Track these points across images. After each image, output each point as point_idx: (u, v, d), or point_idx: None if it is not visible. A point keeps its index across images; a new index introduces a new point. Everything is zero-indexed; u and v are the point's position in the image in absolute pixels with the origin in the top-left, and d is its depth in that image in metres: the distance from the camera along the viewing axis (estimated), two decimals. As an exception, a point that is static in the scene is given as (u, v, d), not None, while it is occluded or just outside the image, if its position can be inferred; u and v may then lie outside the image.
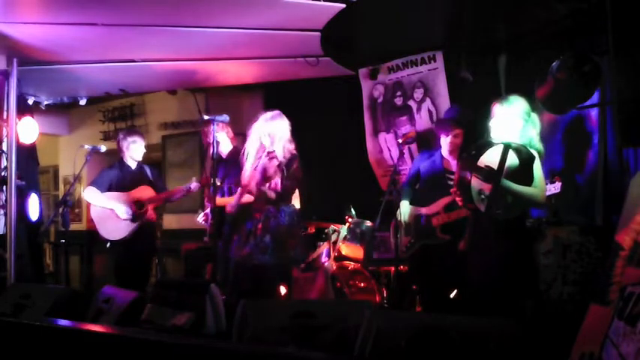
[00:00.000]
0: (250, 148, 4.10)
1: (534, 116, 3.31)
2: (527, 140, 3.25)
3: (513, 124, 3.23)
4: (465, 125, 4.00)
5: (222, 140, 4.77)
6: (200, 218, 4.85)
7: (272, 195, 3.99)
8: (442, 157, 4.04)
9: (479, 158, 3.15)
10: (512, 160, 3.13)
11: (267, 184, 3.97)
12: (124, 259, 4.90)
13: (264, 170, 3.99)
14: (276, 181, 3.95)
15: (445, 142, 4.01)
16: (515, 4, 4.01)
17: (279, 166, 3.97)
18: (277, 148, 4.00)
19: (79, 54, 5.11)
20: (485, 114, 3.53)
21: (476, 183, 3.13)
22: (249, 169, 4.08)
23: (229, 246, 4.56)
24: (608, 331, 2.18)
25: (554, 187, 3.44)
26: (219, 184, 4.61)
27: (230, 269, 4.50)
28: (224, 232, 4.70)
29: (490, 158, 3.12)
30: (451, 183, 3.90)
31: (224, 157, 4.85)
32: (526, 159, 3.14)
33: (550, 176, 3.52)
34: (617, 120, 3.20)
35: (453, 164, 3.98)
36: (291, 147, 4.08)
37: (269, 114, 4.10)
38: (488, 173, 3.10)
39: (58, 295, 3.22)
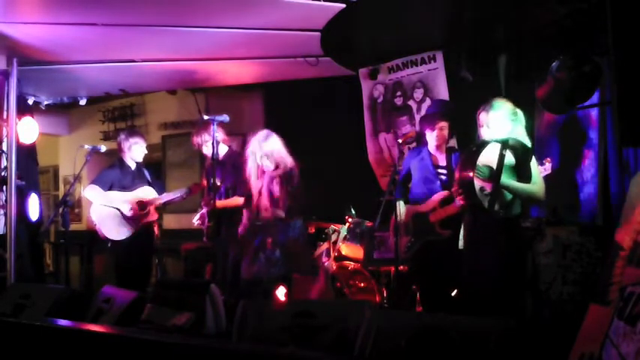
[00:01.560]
0: (252, 169, 4.22)
1: (520, 113, 3.31)
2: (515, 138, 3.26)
3: (502, 127, 3.24)
4: (450, 117, 3.99)
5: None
6: (195, 220, 4.86)
7: (282, 214, 4.12)
8: (430, 153, 4.04)
9: (478, 156, 3.15)
10: (510, 157, 3.13)
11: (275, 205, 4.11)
12: (124, 258, 4.90)
13: (271, 194, 4.14)
14: (283, 198, 4.10)
15: (431, 136, 3.99)
16: (515, 4, 4.01)
17: (281, 183, 4.10)
18: (280, 164, 4.15)
19: (79, 54, 5.11)
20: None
21: (477, 181, 3.13)
22: (254, 190, 4.21)
23: (228, 246, 4.60)
24: (608, 331, 2.18)
25: (545, 169, 3.44)
26: (218, 184, 4.62)
27: (228, 269, 4.54)
28: (222, 233, 4.71)
29: (488, 157, 3.12)
30: (442, 178, 3.92)
31: (220, 159, 4.84)
32: (523, 155, 3.14)
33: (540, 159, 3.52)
34: (617, 120, 3.19)
35: (441, 159, 3.99)
36: (289, 160, 4.19)
37: (261, 134, 4.22)
38: (488, 172, 3.10)
39: (58, 295, 3.22)
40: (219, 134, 4.73)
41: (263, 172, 4.20)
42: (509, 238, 3.17)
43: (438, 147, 4.00)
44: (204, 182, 4.89)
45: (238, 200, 4.63)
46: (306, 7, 4.06)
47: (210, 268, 5.37)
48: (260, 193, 4.19)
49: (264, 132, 4.25)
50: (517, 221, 3.26)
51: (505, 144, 3.11)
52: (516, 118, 3.26)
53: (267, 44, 4.91)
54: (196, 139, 4.81)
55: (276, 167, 4.17)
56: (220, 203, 4.59)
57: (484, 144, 3.18)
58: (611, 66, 3.14)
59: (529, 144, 3.30)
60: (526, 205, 3.34)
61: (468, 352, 1.90)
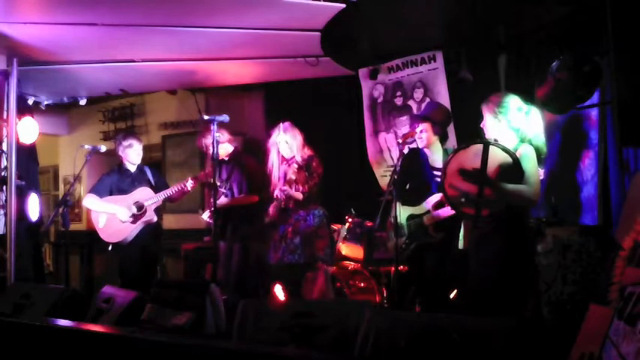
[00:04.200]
0: (273, 159, 4.50)
1: (534, 112, 3.26)
2: (521, 137, 3.23)
3: (507, 120, 3.20)
4: (429, 118, 3.99)
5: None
6: (206, 216, 4.83)
7: (299, 196, 4.34)
8: (426, 155, 4.04)
9: (461, 160, 3.12)
10: (496, 158, 3.07)
11: (293, 187, 4.36)
12: (128, 261, 4.88)
13: (285, 174, 4.40)
14: (301, 183, 4.33)
15: (417, 139, 4.02)
16: (516, 4, 4.01)
17: (299, 169, 4.32)
18: (296, 154, 4.40)
19: (79, 54, 5.11)
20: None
21: (462, 185, 3.09)
22: (275, 178, 4.48)
23: (232, 246, 4.62)
24: (608, 331, 2.18)
25: (540, 174, 3.42)
26: (219, 184, 4.62)
27: (232, 270, 4.57)
28: (227, 233, 4.71)
29: (473, 159, 3.08)
30: (438, 180, 3.91)
31: (226, 159, 4.86)
32: (511, 156, 3.07)
33: None
34: (617, 120, 3.19)
35: (437, 161, 3.98)
36: (308, 151, 4.45)
37: (282, 125, 4.47)
38: (473, 174, 3.05)
39: (58, 295, 3.23)
40: (225, 135, 4.76)
41: (283, 159, 4.46)
42: (510, 238, 3.15)
43: (427, 148, 4.01)
44: (205, 175, 4.85)
45: (247, 198, 4.66)
46: (306, 7, 4.06)
47: (210, 268, 5.36)
48: (279, 178, 4.45)
49: (285, 123, 4.48)
50: (517, 221, 3.23)
51: (488, 145, 3.05)
52: (526, 115, 3.22)
53: (267, 44, 4.91)
54: (203, 141, 4.80)
55: (294, 156, 4.41)
56: (230, 201, 4.70)
57: (465, 146, 3.16)
58: (611, 66, 3.15)
59: (540, 144, 3.24)
60: (515, 205, 3.17)
61: (468, 352, 1.90)
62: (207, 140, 4.70)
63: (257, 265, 4.77)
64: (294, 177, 4.34)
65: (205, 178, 4.81)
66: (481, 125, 3.34)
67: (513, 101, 3.25)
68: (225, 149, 4.85)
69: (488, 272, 3.16)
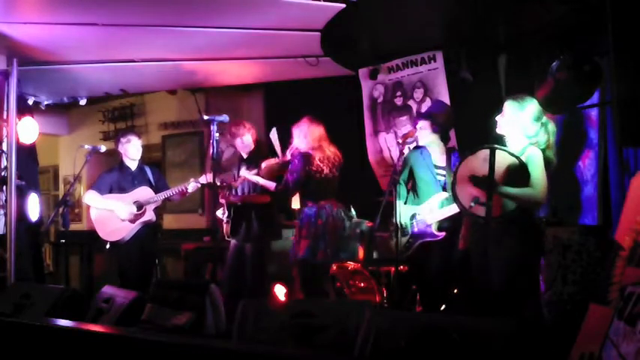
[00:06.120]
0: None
1: (547, 121, 3.25)
2: (532, 143, 3.23)
3: (522, 125, 3.21)
4: (431, 117, 3.99)
5: (247, 141, 4.79)
6: (220, 213, 4.82)
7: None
8: (429, 153, 4.03)
9: (471, 166, 3.13)
10: (504, 160, 3.09)
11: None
12: (126, 261, 4.88)
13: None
14: (286, 177, 4.38)
15: (419, 137, 4.03)
16: (516, 4, 4.01)
17: (281, 164, 4.38)
18: (298, 147, 4.44)
19: (79, 54, 5.11)
20: (484, 114, 3.52)
21: (472, 190, 3.10)
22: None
23: (244, 244, 4.62)
24: (608, 331, 2.19)
25: None
26: (220, 183, 4.63)
27: (248, 269, 4.58)
28: (240, 231, 4.68)
29: (482, 164, 3.08)
30: (440, 179, 3.91)
31: (245, 156, 4.85)
32: (518, 159, 3.10)
33: None
34: (617, 120, 3.19)
35: (440, 159, 3.98)
36: (298, 148, 4.43)
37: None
38: (481, 180, 3.05)
39: (58, 295, 3.23)
40: (253, 134, 4.79)
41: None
42: (516, 239, 3.15)
43: (428, 146, 4.01)
44: (229, 179, 4.85)
45: (259, 197, 4.66)
46: (306, 7, 4.06)
47: (210, 268, 5.35)
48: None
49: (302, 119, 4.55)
50: (524, 222, 3.22)
51: (494, 150, 3.05)
52: (543, 123, 3.21)
53: (267, 44, 4.91)
54: (234, 131, 4.79)
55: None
56: (241, 198, 4.71)
57: (474, 151, 3.16)
58: (611, 66, 3.15)
59: (550, 154, 3.23)
60: (523, 207, 3.19)
61: (468, 353, 1.90)
62: (238, 131, 4.74)
63: (263, 265, 4.76)
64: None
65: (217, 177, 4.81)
66: (496, 118, 3.34)
67: (533, 109, 3.23)
68: (250, 147, 4.84)
69: (492, 274, 3.15)
